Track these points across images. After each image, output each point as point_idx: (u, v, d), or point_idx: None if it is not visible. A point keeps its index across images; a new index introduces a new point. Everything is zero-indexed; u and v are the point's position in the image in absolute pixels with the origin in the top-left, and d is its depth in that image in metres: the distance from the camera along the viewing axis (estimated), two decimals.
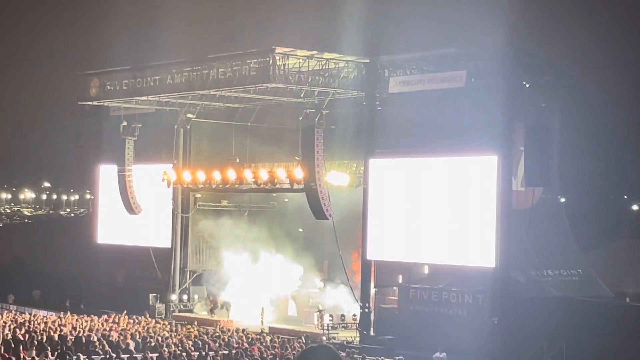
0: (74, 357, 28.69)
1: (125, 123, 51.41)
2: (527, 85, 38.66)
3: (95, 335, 35.41)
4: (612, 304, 38.26)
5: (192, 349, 33.30)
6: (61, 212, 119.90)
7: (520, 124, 38.47)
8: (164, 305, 50.32)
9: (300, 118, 43.07)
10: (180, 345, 33.83)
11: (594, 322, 35.94)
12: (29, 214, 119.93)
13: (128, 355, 30.88)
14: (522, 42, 39.10)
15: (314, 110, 42.24)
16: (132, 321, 42.69)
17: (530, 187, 38.42)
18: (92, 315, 43.91)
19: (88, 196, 68.43)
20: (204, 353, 32.01)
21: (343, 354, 37.58)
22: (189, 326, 42.48)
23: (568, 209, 42.46)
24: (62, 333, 35.27)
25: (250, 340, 37.19)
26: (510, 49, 38.82)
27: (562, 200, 42.52)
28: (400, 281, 42.90)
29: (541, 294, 38.05)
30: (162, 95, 47.20)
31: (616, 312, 36.90)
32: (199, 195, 52.02)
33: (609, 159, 47.72)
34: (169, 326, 42.18)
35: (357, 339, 42.57)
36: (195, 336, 37.44)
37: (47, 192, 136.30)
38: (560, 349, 35.83)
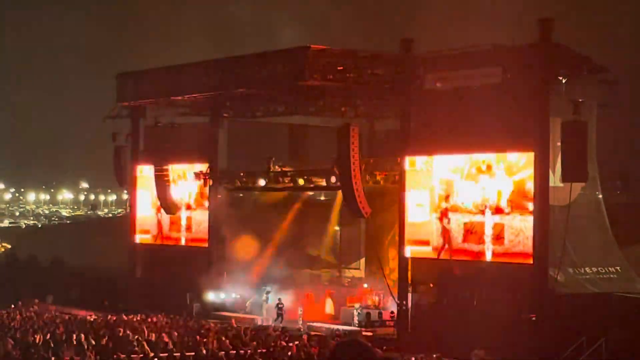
0: (114, 356, 28.82)
1: (160, 123, 51.70)
2: (564, 81, 38.28)
3: (133, 334, 35.54)
4: None
5: (230, 346, 33.33)
6: (99, 212, 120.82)
7: (557, 120, 38.13)
8: (200, 304, 50.43)
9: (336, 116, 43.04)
10: (217, 343, 33.87)
11: (633, 318, 35.62)
12: (68, 215, 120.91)
13: (166, 354, 30.94)
14: (558, 36, 38.60)
15: (348, 108, 42.21)
16: (169, 320, 42.81)
17: (568, 183, 38.06)
18: (130, 315, 44.11)
19: (125, 196, 68.78)
20: (242, 351, 32.01)
21: (380, 352, 37.51)
22: (227, 324, 42.54)
23: (607, 204, 42.00)
24: (101, 333, 35.44)
25: (287, 338, 37.18)
26: (546, 44, 38.46)
27: (600, 196, 42.05)
28: (437, 278, 42.67)
29: (579, 292, 37.73)
30: (198, 94, 47.36)
31: None
32: (235, 195, 52.12)
33: None
34: (206, 324, 42.27)
35: (395, 336, 42.47)
36: (233, 334, 37.48)
37: (85, 193, 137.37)
38: (600, 345, 35.53)
